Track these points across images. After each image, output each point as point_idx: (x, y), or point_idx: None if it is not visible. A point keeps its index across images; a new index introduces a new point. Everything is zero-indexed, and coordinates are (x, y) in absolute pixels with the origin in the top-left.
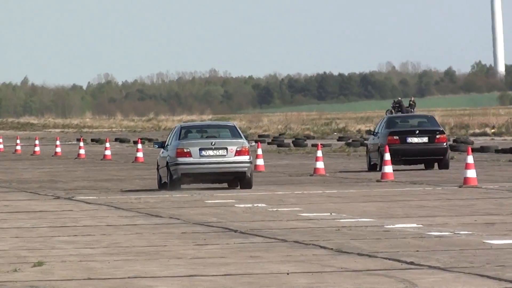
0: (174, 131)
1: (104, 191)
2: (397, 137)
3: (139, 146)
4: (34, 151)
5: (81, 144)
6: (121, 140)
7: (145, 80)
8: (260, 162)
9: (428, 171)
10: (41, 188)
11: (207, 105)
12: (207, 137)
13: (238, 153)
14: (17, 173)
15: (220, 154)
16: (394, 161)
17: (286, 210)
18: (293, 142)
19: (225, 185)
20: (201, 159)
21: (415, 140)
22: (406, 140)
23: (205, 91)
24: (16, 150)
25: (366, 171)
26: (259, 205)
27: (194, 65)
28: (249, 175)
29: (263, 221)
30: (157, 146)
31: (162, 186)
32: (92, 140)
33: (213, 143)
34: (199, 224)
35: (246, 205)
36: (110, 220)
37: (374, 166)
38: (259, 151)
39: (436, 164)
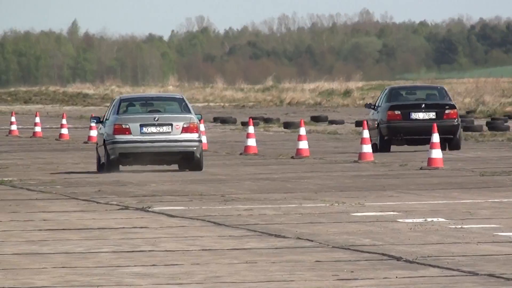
0: (113, 104)
1: (197, 198)
2: (399, 112)
3: (251, 129)
4: (89, 137)
5: None
6: (223, 120)
7: (260, 27)
8: (436, 154)
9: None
10: (100, 193)
11: (355, 65)
12: (150, 112)
13: (185, 130)
14: (64, 171)
15: (164, 131)
16: (395, 141)
17: (476, 227)
18: (487, 123)
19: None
20: (142, 137)
21: (420, 115)
22: (409, 115)
23: (353, 44)
24: (61, 135)
25: None
26: (435, 219)
27: (336, 4)
28: (198, 155)
29: (440, 243)
30: (94, 122)
31: (100, 167)
32: None
33: (156, 118)
34: (342, 248)
35: (415, 220)
36: (206, 242)
37: (374, 146)
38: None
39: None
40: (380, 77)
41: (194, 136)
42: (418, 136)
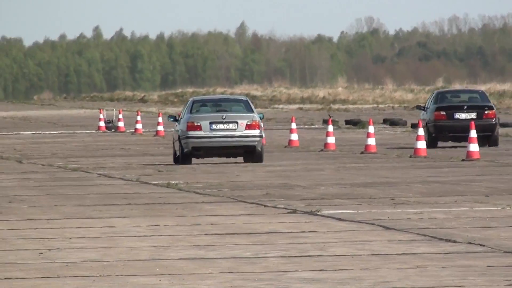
0: (187, 105)
1: (366, 201)
2: (444, 113)
3: (420, 131)
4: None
5: (330, 128)
6: (392, 122)
7: (430, 28)
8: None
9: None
10: (268, 196)
11: None
12: (218, 111)
13: (249, 127)
14: (231, 174)
15: (230, 128)
16: (441, 138)
17: None
18: None
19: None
20: (211, 133)
21: (462, 116)
22: (453, 116)
23: None
24: None
25: None
26: None
27: (507, 5)
28: (259, 149)
29: None
30: (172, 120)
31: (176, 160)
32: (348, 122)
33: (224, 116)
34: None
35: None
36: (375, 246)
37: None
38: None
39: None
40: None
41: (256, 132)
42: (461, 133)
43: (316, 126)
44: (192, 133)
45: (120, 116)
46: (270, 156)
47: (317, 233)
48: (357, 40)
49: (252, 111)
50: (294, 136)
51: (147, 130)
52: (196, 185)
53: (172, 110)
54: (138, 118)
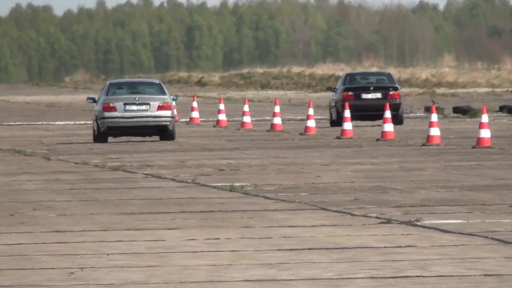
0: (104, 88)
1: (479, 208)
2: (352, 93)
3: None
4: (343, 131)
5: (434, 117)
6: (511, 110)
7: None
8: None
9: None
10: (357, 202)
11: None
12: (132, 93)
13: (160, 108)
14: (310, 174)
15: (143, 109)
16: (350, 117)
17: None
18: None
19: None
20: (125, 113)
21: (369, 96)
22: (360, 96)
23: None
24: (306, 129)
25: None
26: None
27: None
28: (171, 128)
29: None
30: (91, 101)
31: (94, 139)
32: (456, 109)
33: (137, 98)
34: None
35: None
36: (489, 265)
37: (333, 122)
38: None
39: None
40: None
41: (168, 113)
42: (367, 112)
43: (417, 114)
44: (107, 113)
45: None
46: (359, 151)
47: (417, 248)
48: (468, 9)
49: (164, 93)
50: (389, 127)
51: (205, 119)
52: (267, 188)
53: (236, 94)
54: (195, 104)
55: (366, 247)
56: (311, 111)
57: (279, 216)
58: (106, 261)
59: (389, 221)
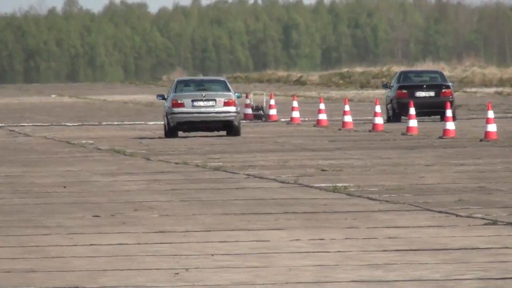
0: (172, 85)
1: None
2: (406, 91)
3: None
4: (445, 131)
5: None
6: None
7: None
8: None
9: None
10: (461, 203)
11: None
12: (199, 90)
13: (226, 104)
14: (413, 175)
15: (209, 104)
16: (404, 113)
17: None
18: None
19: None
20: (193, 109)
21: (422, 94)
22: (414, 94)
23: None
24: (408, 129)
25: None
26: None
27: None
28: (236, 123)
29: None
30: (160, 98)
31: (166, 134)
32: None
33: (204, 95)
34: None
35: None
36: None
37: (389, 118)
38: None
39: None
40: None
41: (232, 108)
42: (421, 109)
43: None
44: (176, 109)
45: (272, 102)
46: (462, 151)
47: None
48: None
49: (229, 90)
50: (492, 127)
51: (305, 119)
52: (370, 189)
53: (336, 93)
54: (295, 104)
55: (473, 248)
56: (412, 111)
57: (384, 217)
58: (211, 262)
59: (494, 222)
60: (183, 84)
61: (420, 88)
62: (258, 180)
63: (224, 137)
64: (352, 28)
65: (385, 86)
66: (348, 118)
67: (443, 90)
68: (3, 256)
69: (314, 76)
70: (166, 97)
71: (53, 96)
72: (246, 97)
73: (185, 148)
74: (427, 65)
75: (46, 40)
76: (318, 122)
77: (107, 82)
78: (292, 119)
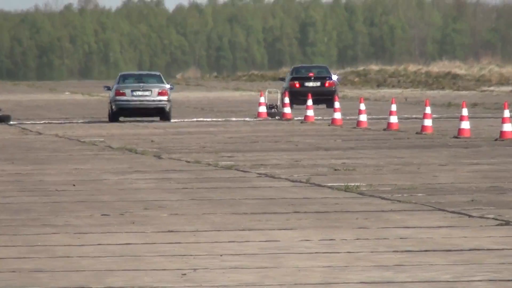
0: (116, 78)
1: None
2: (297, 82)
3: None
4: (460, 130)
5: None
6: None
7: None
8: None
9: None
10: (474, 203)
11: None
12: (138, 82)
13: (160, 93)
14: (426, 174)
15: (146, 94)
16: (296, 101)
17: None
18: None
19: None
20: (132, 97)
21: (310, 84)
22: (304, 84)
23: None
24: (423, 128)
25: None
26: None
27: None
28: (167, 110)
29: None
30: (106, 89)
31: (109, 118)
32: None
33: (142, 86)
34: None
35: None
36: None
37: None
38: None
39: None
40: None
41: (165, 98)
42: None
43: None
44: (118, 97)
45: (286, 100)
46: (477, 151)
47: None
48: None
49: (163, 83)
50: (508, 127)
51: (320, 117)
52: (383, 188)
53: (352, 92)
54: (309, 102)
55: (484, 249)
56: (428, 110)
57: (395, 217)
58: (219, 262)
59: (507, 223)
60: (125, 77)
61: (309, 79)
62: (269, 179)
63: (237, 136)
64: (369, 26)
65: (281, 79)
66: (363, 117)
67: (327, 81)
68: (10, 255)
69: None
70: (110, 88)
71: (66, 93)
72: (261, 95)
73: (197, 147)
74: (443, 64)
75: (60, 36)
76: (333, 121)
77: None
78: (306, 117)
